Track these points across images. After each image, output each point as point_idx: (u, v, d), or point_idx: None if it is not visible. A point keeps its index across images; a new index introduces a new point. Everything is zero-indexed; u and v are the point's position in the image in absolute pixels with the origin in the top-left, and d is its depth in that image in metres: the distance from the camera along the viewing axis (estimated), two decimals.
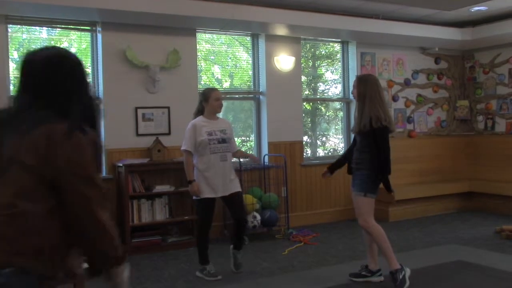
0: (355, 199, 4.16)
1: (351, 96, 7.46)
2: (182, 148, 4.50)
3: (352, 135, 4.57)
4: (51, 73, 1.63)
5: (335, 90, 7.72)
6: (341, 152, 7.60)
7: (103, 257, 1.65)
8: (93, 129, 1.64)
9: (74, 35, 5.83)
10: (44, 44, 5.63)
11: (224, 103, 6.92)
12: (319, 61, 7.82)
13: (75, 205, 1.56)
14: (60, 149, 1.52)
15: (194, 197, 4.55)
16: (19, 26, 5.46)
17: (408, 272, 4.03)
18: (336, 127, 7.86)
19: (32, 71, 1.65)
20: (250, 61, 6.81)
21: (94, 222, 1.60)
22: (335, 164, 4.55)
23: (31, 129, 1.53)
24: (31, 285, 1.47)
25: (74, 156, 1.54)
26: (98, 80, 5.77)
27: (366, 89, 4.12)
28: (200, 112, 4.58)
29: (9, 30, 5.36)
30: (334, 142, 7.94)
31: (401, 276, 4.00)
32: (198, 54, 6.32)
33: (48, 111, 1.58)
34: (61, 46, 4.76)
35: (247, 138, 7.06)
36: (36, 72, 1.64)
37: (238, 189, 4.58)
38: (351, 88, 7.40)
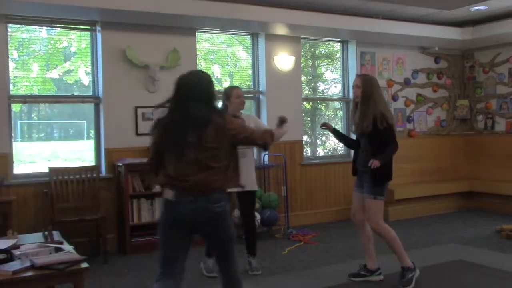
0: (365, 202, 4.13)
1: (351, 96, 7.48)
2: None
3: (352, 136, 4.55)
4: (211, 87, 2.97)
5: (335, 89, 7.72)
6: (341, 152, 7.62)
7: (266, 144, 3.08)
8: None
9: (74, 34, 5.82)
10: (45, 44, 5.65)
11: None
12: (319, 61, 7.82)
13: (243, 141, 2.94)
14: (227, 125, 2.85)
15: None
16: (19, 25, 5.46)
17: (417, 274, 4.08)
18: (336, 127, 7.84)
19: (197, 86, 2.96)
20: (250, 61, 6.80)
21: (260, 139, 3.02)
22: (342, 134, 4.52)
23: (205, 124, 2.82)
24: (227, 200, 2.89)
25: (233, 125, 2.89)
26: (98, 79, 5.77)
27: (372, 89, 4.07)
28: (224, 111, 4.57)
29: (9, 29, 5.36)
30: (334, 142, 7.93)
31: (410, 276, 4.05)
32: (198, 53, 6.32)
33: (209, 109, 2.88)
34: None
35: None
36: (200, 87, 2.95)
37: (253, 188, 4.62)
38: (351, 88, 7.43)
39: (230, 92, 4.58)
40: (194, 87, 2.93)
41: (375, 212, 4.08)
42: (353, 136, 4.50)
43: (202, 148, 2.78)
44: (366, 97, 4.07)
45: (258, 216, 5.96)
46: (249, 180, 4.51)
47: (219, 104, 3.33)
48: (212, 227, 2.87)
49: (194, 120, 2.84)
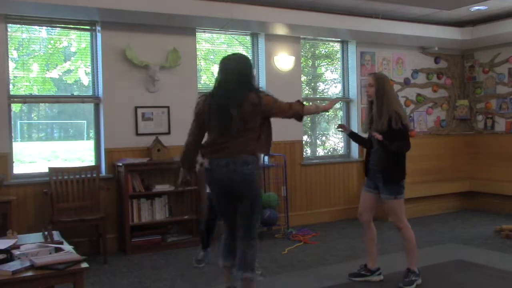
0: (386, 204, 4.12)
1: (351, 96, 7.49)
2: None
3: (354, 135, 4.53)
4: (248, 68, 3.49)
5: (335, 89, 7.72)
6: (341, 152, 7.61)
7: (299, 115, 3.56)
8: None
9: (73, 34, 5.82)
10: (45, 44, 5.65)
11: None
12: (318, 61, 7.82)
13: (281, 114, 3.48)
14: (261, 101, 3.34)
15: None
16: (18, 25, 5.45)
17: (419, 281, 4.10)
18: (336, 127, 7.85)
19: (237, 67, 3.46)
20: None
21: (291, 112, 3.50)
22: (359, 136, 4.49)
23: (242, 100, 3.31)
24: (258, 169, 3.39)
25: (265, 101, 3.37)
26: (97, 79, 5.77)
27: (385, 87, 4.05)
28: None
29: (9, 29, 5.36)
30: (334, 142, 7.94)
31: (413, 278, 4.07)
32: (197, 53, 6.32)
33: (246, 87, 3.37)
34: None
35: None
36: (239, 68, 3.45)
37: None
38: (350, 88, 7.47)
39: None
40: (235, 68, 3.41)
41: (399, 211, 4.08)
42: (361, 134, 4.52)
43: (241, 120, 3.28)
44: (379, 96, 4.04)
45: None
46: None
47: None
48: (240, 186, 3.33)
49: (234, 96, 3.31)
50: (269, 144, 3.48)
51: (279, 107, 3.42)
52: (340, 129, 4.52)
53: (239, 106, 3.29)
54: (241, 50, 6.85)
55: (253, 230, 3.43)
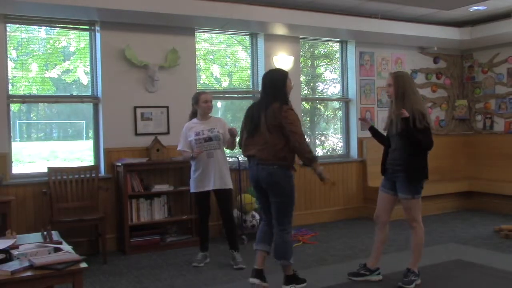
0: (403, 203, 4.10)
1: (350, 96, 7.49)
2: (178, 148, 5.00)
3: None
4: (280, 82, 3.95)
5: (334, 89, 7.72)
6: (340, 152, 7.61)
7: (305, 158, 3.79)
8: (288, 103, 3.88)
9: (72, 34, 5.81)
10: (44, 43, 5.65)
11: (223, 102, 6.99)
12: (318, 61, 7.82)
13: (291, 137, 3.73)
14: (281, 113, 3.76)
15: (191, 191, 4.96)
16: (17, 25, 5.45)
17: (418, 281, 4.10)
18: (335, 127, 7.86)
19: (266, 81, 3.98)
20: (249, 61, 6.80)
21: (300, 142, 3.74)
22: (377, 131, 4.46)
23: (268, 107, 3.79)
24: (284, 169, 3.81)
25: (286, 114, 3.77)
26: (97, 79, 5.76)
27: (404, 86, 4.00)
28: (194, 114, 4.98)
29: (8, 29, 5.35)
30: (333, 142, 7.94)
31: (412, 278, 4.07)
32: (197, 53, 6.31)
33: (274, 97, 3.84)
34: None
35: None
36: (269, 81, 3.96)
37: (226, 186, 4.86)
38: (350, 88, 7.47)
39: (198, 97, 4.92)
40: (268, 82, 3.94)
41: (416, 211, 4.07)
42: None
43: (265, 126, 3.75)
44: (400, 95, 3.99)
45: (257, 216, 5.98)
46: (222, 179, 4.81)
47: (286, 96, 3.95)
48: (267, 182, 3.81)
49: (266, 102, 3.84)
50: (291, 157, 3.87)
51: (297, 133, 3.75)
52: (363, 121, 4.60)
53: (265, 113, 3.78)
54: (240, 50, 6.85)
55: (283, 212, 3.93)
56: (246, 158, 4.03)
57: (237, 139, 4.43)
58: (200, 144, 4.77)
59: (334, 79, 7.74)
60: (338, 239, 5.97)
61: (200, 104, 4.85)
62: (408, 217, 4.13)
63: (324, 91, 7.84)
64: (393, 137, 4.11)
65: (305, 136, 3.87)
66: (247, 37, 6.77)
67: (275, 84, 3.91)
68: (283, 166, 3.80)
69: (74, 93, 5.90)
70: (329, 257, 5.17)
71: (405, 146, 4.01)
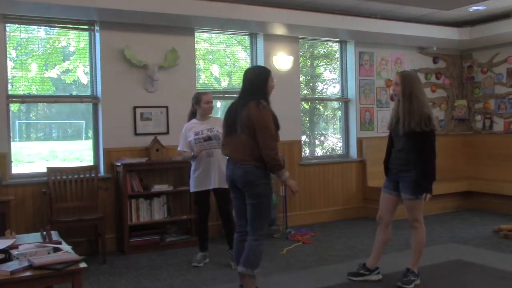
0: (406, 203, 4.08)
1: (349, 96, 7.49)
2: (178, 149, 5.04)
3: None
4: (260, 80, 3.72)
5: (334, 89, 7.72)
6: (339, 152, 7.62)
7: (268, 161, 3.56)
8: (267, 103, 3.63)
9: (72, 34, 5.81)
10: (44, 43, 5.65)
11: (223, 102, 6.99)
12: (317, 61, 7.82)
13: (260, 139, 3.53)
14: (251, 112, 3.55)
15: (190, 191, 4.97)
16: (17, 25, 5.44)
17: (418, 281, 4.10)
18: (335, 127, 7.86)
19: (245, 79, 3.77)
20: (249, 61, 6.80)
21: (266, 147, 3.54)
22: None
23: (244, 106, 3.59)
24: (260, 169, 3.61)
25: (256, 114, 3.55)
26: (96, 79, 5.76)
27: (412, 86, 3.97)
28: (193, 114, 4.99)
29: (7, 29, 5.35)
30: (333, 142, 7.94)
31: (412, 278, 4.07)
32: (196, 53, 6.31)
33: (251, 96, 3.63)
34: None
35: None
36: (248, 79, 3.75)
37: (225, 185, 4.71)
38: (350, 88, 7.48)
39: (200, 98, 4.92)
40: (248, 79, 3.75)
41: (418, 211, 4.07)
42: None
43: (240, 125, 3.60)
44: (407, 95, 3.96)
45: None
46: (222, 178, 4.74)
47: (262, 94, 3.72)
48: (243, 182, 3.64)
49: (241, 100, 3.68)
50: (271, 157, 3.60)
51: (265, 133, 3.53)
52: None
53: (240, 112, 3.62)
54: (240, 50, 6.85)
55: (257, 214, 3.70)
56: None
57: None
58: (200, 143, 4.79)
59: (333, 79, 7.75)
60: (337, 239, 5.97)
61: (202, 105, 4.87)
62: (410, 217, 4.13)
63: (323, 91, 7.85)
64: (398, 137, 4.07)
65: (275, 140, 3.61)
66: (247, 37, 6.77)
67: (255, 82, 3.70)
68: (258, 166, 3.60)
69: (74, 93, 5.90)
70: (329, 257, 5.17)
71: (410, 148, 3.99)
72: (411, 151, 3.99)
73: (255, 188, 3.61)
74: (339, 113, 7.72)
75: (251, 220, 3.67)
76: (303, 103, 7.34)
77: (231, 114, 3.75)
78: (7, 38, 5.33)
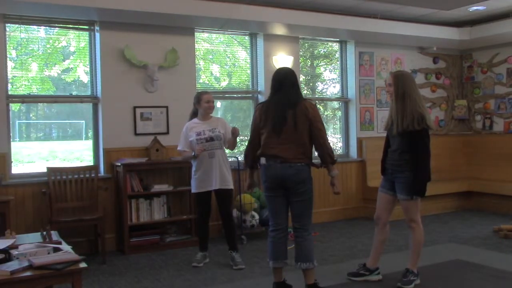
0: (402, 204, 4.08)
1: (349, 96, 7.49)
2: (178, 148, 4.98)
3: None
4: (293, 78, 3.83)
5: (334, 89, 7.72)
6: (339, 152, 7.62)
7: (328, 156, 3.74)
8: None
9: (72, 34, 5.81)
10: (44, 43, 5.64)
11: (223, 102, 6.99)
12: (317, 61, 7.82)
13: (319, 135, 3.71)
14: (309, 110, 3.70)
15: (192, 191, 4.95)
16: (17, 25, 5.45)
17: (417, 281, 4.10)
18: (335, 127, 7.86)
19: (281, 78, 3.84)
20: (249, 60, 6.80)
21: (325, 143, 3.74)
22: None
23: (295, 105, 3.69)
24: (309, 167, 3.76)
25: (314, 112, 3.72)
26: (96, 79, 5.76)
27: (404, 86, 3.97)
28: (195, 114, 4.97)
29: (7, 29, 5.35)
30: (332, 142, 7.93)
31: (411, 278, 4.06)
32: (196, 53, 6.31)
33: (298, 94, 3.81)
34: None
35: (245, 138, 7.05)
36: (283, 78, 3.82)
37: (227, 186, 4.86)
38: (349, 88, 7.48)
39: (201, 97, 4.89)
40: (286, 77, 3.80)
41: (414, 212, 4.07)
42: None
43: (293, 124, 3.66)
44: (400, 95, 3.97)
45: (256, 216, 5.99)
46: (224, 179, 4.80)
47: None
48: (291, 181, 3.69)
49: (290, 99, 3.71)
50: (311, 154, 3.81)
51: (323, 130, 3.75)
52: None
53: (294, 109, 3.68)
54: (240, 50, 6.85)
55: (305, 213, 3.87)
56: (263, 158, 3.78)
57: (245, 139, 4.36)
58: (202, 144, 4.77)
59: (333, 79, 7.75)
60: (337, 239, 5.97)
61: (202, 104, 4.84)
62: (407, 217, 4.13)
63: (323, 91, 7.85)
64: (393, 137, 4.09)
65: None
66: (247, 37, 6.77)
67: (295, 82, 3.82)
68: (308, 164, 3.76)
69: (74, 93, 5.90)
70: (329, 257, 5.17)
71: (405, 147, 3.99)
72: (405, 152, 3.99)
73: (306, 186, 3.74)
74: (339, 113, 7.72)
75: (301, 216, 3.81)
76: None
77: (276, 114, 3.71)
78: (7, 38, 5.34)
